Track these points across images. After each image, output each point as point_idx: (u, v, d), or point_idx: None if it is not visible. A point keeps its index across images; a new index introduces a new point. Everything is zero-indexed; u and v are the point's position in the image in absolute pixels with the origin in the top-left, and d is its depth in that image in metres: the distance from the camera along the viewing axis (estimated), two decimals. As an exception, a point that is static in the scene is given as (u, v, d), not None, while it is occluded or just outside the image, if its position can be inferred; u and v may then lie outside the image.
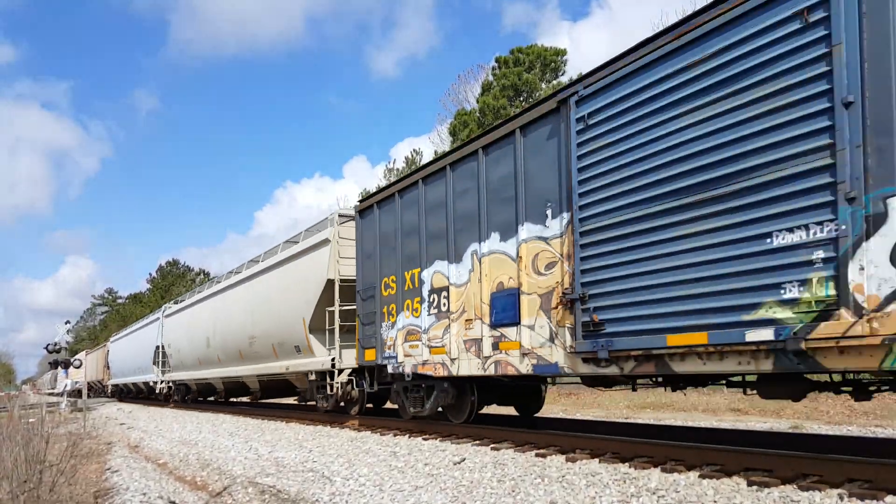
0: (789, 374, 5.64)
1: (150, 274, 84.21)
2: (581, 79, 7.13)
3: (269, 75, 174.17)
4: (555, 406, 17.16)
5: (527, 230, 7.70)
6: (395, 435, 10.23)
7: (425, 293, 9.64)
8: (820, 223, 4.92)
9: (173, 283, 75.82)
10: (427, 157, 35.98)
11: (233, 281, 17.97)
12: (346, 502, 6.30)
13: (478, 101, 28.13)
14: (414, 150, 38.51)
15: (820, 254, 4.92)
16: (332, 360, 12.31)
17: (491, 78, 28.36)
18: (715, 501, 4.97)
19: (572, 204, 6.98)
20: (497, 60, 28.45)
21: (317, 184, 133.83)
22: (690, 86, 5.85)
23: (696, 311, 5.73)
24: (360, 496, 6.41)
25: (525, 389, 10.88)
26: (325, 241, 12.52)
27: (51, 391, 61.91)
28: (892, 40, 4.64)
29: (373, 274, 11.04)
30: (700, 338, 5.68)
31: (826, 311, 4.89)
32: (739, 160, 5.44)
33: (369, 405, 13.71)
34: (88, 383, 38.26)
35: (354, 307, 11.78)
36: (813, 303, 4.96)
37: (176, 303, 25.56)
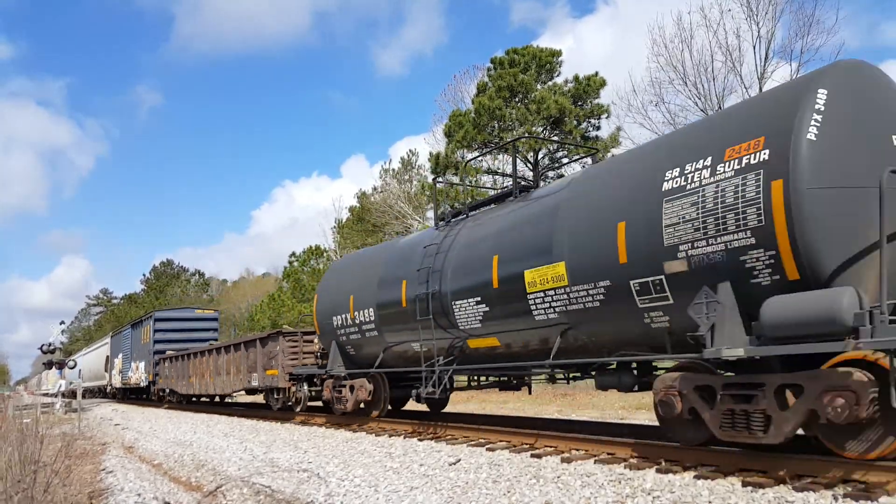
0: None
1: (144, 275, 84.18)
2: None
3: (272, 72, 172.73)
4: (550, 406, 17.18)
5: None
6: (390, 436, 10.24)
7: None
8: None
9: (167, 283, 75.71)
10: (423, 157, 36.11)
11: (92, 349, 44.36)
12: (341, 503, 6.30)
13: (473, 102, 28.10)
14: (410, 150, 38.53)
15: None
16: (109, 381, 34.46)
17: (486, 79, 28.33)
18: (710, 502, 4.99)
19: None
20: (492, 61, 28.40)
21: (315, 183, 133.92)
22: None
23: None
24: (355, 497, 6.41)
25: None
26: (107, 343, 37.27)
27: (42, 392, 62.62)
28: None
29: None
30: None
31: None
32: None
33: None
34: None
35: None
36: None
37: (86, 346, 50.98)
